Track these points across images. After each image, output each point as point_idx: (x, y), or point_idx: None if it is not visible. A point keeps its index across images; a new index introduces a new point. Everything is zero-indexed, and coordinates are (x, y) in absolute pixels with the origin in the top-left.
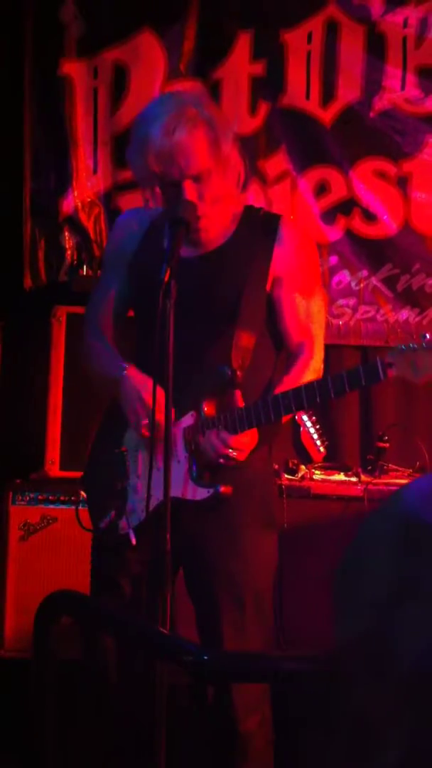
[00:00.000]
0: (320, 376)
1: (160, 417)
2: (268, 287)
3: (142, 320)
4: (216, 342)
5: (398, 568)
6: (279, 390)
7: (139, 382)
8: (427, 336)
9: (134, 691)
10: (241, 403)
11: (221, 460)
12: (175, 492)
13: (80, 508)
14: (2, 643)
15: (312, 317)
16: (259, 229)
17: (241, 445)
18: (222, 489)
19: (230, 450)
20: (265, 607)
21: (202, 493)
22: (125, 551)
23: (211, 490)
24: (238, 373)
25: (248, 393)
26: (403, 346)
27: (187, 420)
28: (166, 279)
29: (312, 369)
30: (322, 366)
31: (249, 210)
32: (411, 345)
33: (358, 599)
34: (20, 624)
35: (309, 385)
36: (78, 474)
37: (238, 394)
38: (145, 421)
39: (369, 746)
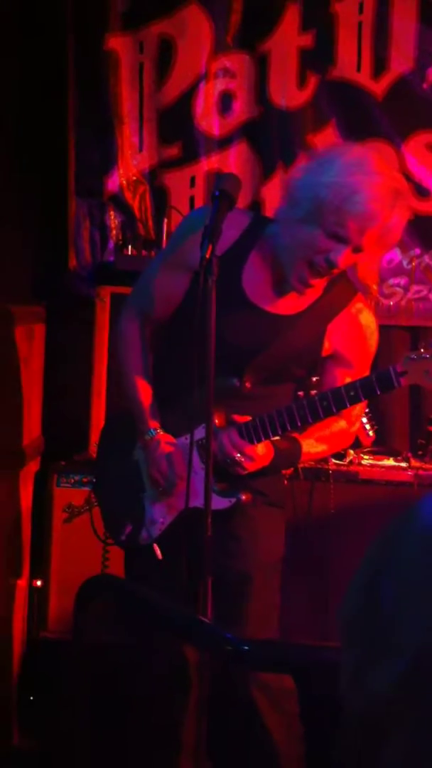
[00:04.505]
0: (350, 442)
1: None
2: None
3: (182, 335)
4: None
5: (419, 588)
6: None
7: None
8: None
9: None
10: (246, 417)
11: (231, 463)
12: (194, 502)
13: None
14: (46, 624)
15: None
16: (337, 296)
17: (254, 454)
18: (243, 498)
19: (238, 455)
20: (273, 584)
21: (222, 503)
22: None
23: (233, 500)
24: (247, 385)
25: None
26: (414, 355)
27: (200, 432)
28: (208, 255)
29: (347, 434)
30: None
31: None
32: (422, 353)
33: (392, 630)
34: (63, 606)
35: (323, 395)
36: None
37: (246, 406)
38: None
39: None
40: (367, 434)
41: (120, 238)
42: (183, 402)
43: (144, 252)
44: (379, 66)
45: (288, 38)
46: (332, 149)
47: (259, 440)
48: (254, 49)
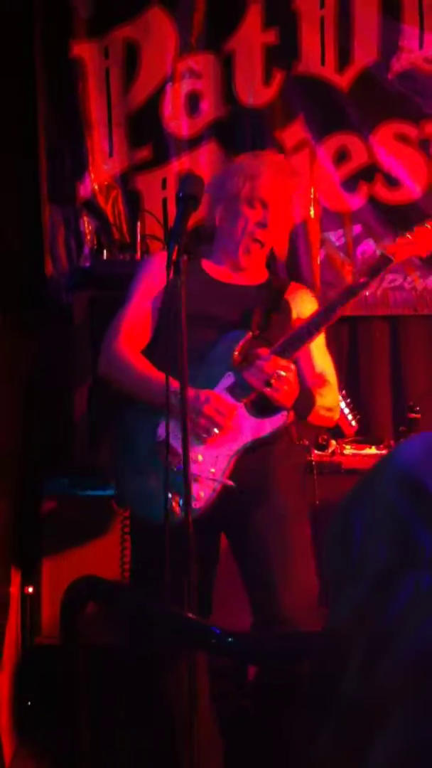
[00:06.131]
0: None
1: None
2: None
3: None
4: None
5: (396, 527)
6: None
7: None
8: None
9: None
10: (266, 350)
11: (268, 385)
12: (247, 438)
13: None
14: (39, 630)
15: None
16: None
17: (289, 365)
18: (290, 412)
19: (274, 370)
20: (310, 554)
21: (273, 423)
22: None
23: (282, 414)
24: (257, 332)
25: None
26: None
27: (225, 382)
28: (175, 257)
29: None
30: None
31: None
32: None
33: (355, 562)
34: (56, 611)
35: (333, 296)
36: (103, 460)
37: (263, 344)
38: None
39: (361, 734)
40: (350, 424)
41: (95, 243)
42: (197, 368)
43: (120, 256)
44: (344, 59)
45: (251, 36)
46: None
47: (288, 356)
48: (219, 48)
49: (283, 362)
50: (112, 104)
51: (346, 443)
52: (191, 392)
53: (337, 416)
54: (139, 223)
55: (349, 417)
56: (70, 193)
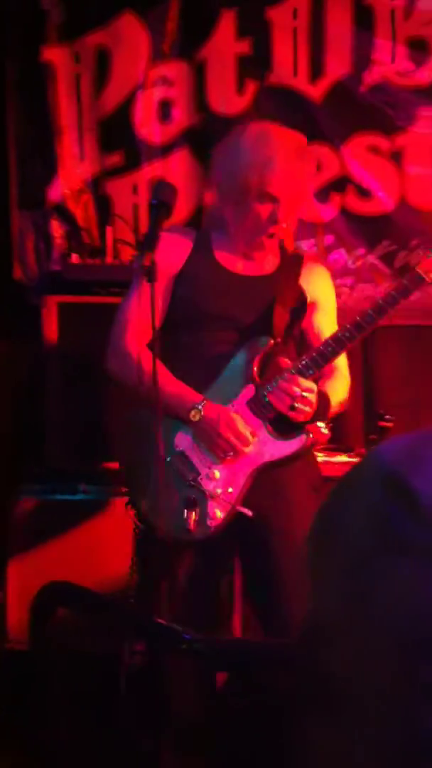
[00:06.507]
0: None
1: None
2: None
3: (188, 327)
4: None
5: (379, 520)
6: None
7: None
8: None
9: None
10: (289, 362)
11: (293, 407)
12: (265, 458)
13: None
14: (6, 635)
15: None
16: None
17: (311, 386)
18: (311, 434)
19: (299, 392)
20: None
21: (292, 446)
22: (185, 547)
23: (302, 437)
24: (279, 339)
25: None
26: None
27: (246, 394)
28: (147, 263)
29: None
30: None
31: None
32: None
33: (338, 556)
34: (23, 616)
35: (361, 314)
36: (77, 463)
37: (284, 354)
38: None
39: (346, 724)
40: (321, 431)
41: (65, 247)
42: (216, 376)
43: (89, 260)
44: (316, 70)
45: (224, 45)
46: (231, 135)
47: (311, 375)
48: (191, 56)
49: (306, 384)
50: (83, 109)
51: (318, 451)
52: (214, 412)
53: (347, 404)
54: (109, 228)
55: (322, 424)
56: (40, 197)
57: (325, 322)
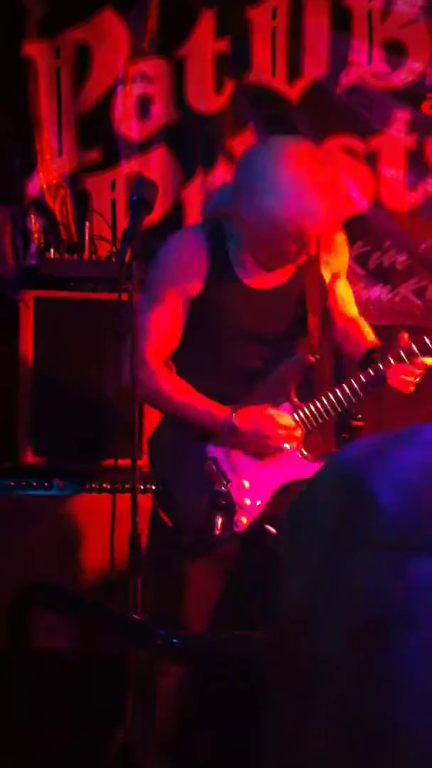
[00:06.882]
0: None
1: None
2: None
3: (211, 345)
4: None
5: (336, 519)
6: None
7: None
8: None
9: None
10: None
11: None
12: (292, 476)
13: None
14: None
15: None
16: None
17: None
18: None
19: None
20: None
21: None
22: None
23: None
24: (318, 356)
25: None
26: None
27: (285, 408)
28: (127, 260)
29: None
30: None
31: None
32: None
33: (304, 552)
34: None
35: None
36: (49, 460)
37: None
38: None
39: (308, 699)
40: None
41: (42, 241)
42: (250, 393)
43: (66, 255)
44: (294, 71)
45: (204, 44)
46: (258, 154)
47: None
48: (171, 54)
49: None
50: (63, 104)
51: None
52: (249, 414)
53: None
54: (87, 224)
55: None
56: (18, 192)
57: (342, 287)
